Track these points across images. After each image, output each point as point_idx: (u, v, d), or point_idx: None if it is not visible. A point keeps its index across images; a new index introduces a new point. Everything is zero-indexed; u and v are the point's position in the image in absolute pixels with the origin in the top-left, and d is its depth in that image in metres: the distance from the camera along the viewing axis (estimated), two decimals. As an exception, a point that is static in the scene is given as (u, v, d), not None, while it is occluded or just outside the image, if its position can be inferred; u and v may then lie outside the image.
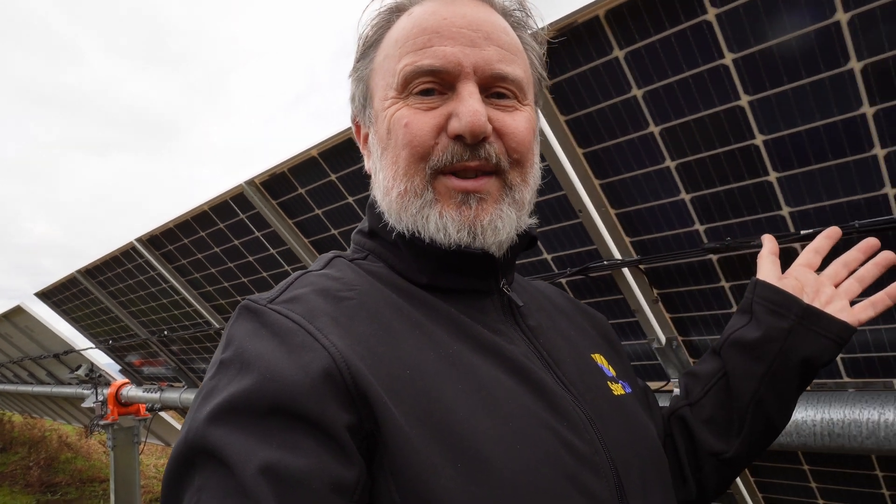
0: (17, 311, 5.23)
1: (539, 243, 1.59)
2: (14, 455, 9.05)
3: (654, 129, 1.22)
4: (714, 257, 1.36)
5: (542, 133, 1.33)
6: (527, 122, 0.65)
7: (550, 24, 1.16)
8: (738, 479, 1.84)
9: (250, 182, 2.05)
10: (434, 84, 0.62)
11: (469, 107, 0.60)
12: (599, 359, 0.74)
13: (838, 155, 1.10)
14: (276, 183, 2.02)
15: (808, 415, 1.35)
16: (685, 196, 1.29)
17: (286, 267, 2.38)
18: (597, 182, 1.37)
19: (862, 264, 0.83)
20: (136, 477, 5.10)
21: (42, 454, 8.87)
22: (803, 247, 1.25)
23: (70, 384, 5.79)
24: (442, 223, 0.61)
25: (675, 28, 1.08)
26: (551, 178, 1.41)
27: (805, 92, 1.05)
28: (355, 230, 0.76)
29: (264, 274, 2.52)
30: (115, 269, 3.44)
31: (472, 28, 0.62)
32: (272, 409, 0.49)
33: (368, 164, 0.73)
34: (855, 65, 0.99)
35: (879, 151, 1.06)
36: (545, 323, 0.71)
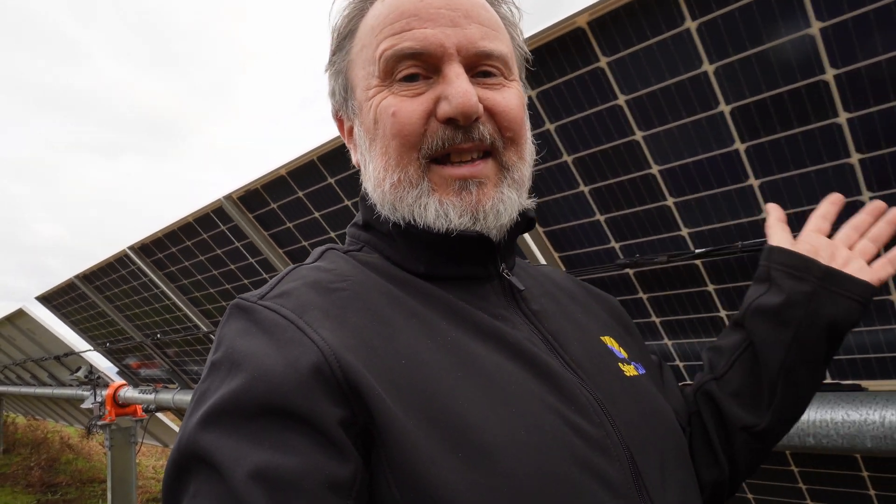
0: (20, 314, 5.42)
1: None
2: (16, 456, 9.22)
3: (568, 158, 1.38)
4: (630, 271, 1.51)
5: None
6: (517, 98, 0.64)
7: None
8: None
9: (228, 197, 2.22)
10: (418, 69, 0.60)
11: (458, 88, 0.58)
12: (610, 341, 0.71)
13: (721, 184, 1.25)
14: (251, 198, 2.19)
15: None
16: (600, 217, 1.45)
17: (264, 275, 2.54)
18: (524, 203, 1.52)
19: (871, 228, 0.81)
20: (132, 476, 5.24)
21: (44, 455, 9.04)
22: (703, 265, 1.41)
23: (70, 386, 5.97)
24: (443, 210, 0.60)
25: (575, 73, 1.24)
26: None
27: (687, 130, 1.21)
28: (350, 223, 0.74)
29: (245, 281, 2.69)
30: (111, 275, 3.62)
31: (451, 7, 0.61)
32: (262, 409, 0.49)
33: (356, 157, 0.70)
34: (724, 108, 1.15)
35: (754, 182, 1.21)
36: (550, 307, 0.69)
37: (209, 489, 0.47)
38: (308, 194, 1.98)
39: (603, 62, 1.20)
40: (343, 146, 1.74)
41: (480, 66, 0.62)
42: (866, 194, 1.13)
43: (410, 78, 0.61)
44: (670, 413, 0.69)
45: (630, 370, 0.68)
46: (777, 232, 0.82)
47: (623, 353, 0.71)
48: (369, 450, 0.50)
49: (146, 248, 3.02)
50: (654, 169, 1.30)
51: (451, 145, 0.60)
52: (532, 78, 1.29)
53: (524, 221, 0.67)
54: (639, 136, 1.26)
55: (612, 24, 1.14)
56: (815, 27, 1.00)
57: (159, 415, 6.02)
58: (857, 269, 0.76)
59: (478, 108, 0.59)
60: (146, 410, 4.74)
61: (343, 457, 0.48)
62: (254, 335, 0.53)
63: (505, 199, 0.62)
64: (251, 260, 2.50)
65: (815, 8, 0.98)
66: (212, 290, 2.96)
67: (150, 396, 4.45)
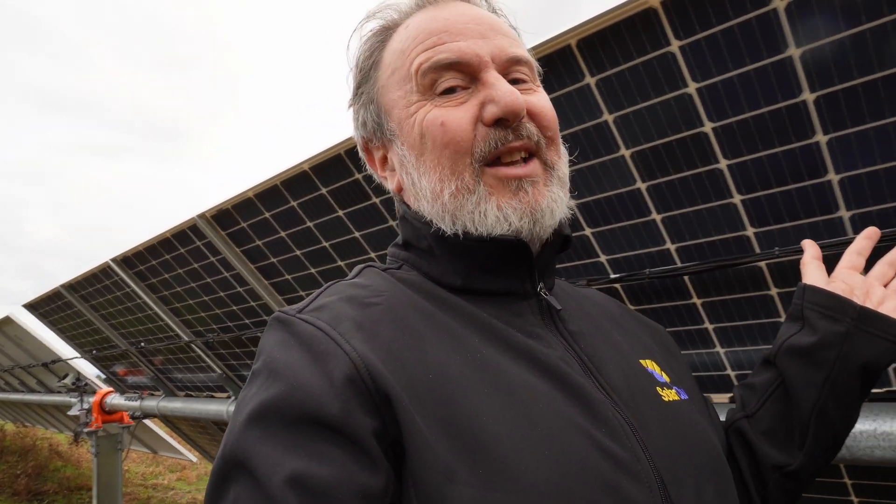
0: (7, 322, 5.52)
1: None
2: (3, 464, 9.25)
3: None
4: (560, 293, 1.65)
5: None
6: (548, 100, 0.67)
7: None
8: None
9: (202, 216, 2.35)
10: (457, 80, 0.63)
11: (502, 89, 0.61)
12: (650, 364, 0.70)
13: (629, 217, 1.39)
14: (223, 217, 2.32)
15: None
16: (529, 243, 1.59)
17: (238, 288, 2.68)
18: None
19: None
20: (118, 483, 5.33)
21: (31, 462, 9.06)
22: (622, 288, 1.55)
23: (59, 392, 6.06)
24: (502, 214, 0.61)
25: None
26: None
27: (596, 170, 1.35)
28: (391, 244, 0.75)
29: (221, 294, 2.82)
30: (95, 285, 3.74)
31: (477, 22, 0.65)
32: (298, 418, 0.50)
33: (394, 183, 0.71)
34: (625, 152, 1.29)
35: (656, 216, 1.36)
36: (588, 328, 0.69)
37: (248, 495, 0.49)
38: (273, 215, 2.11)
39: (520, 109, 1.35)
40: (303, 173, 1.88)
41: (512, 74, 0.65)
42: (750, 230, 1.27)
43: (450, 91, 0.63)
44: (712, 440, 0.66)
45: (670, 395, 0.67)
46: (812, 270, 0.82)
47: (665, 378, 0.70)
48: (400, 461, 0.51)
49: (128, 261, 3.15)
50: (572, 202, 1.44)
51: (503, 145, 0.62)
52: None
53: (560, 240, 0.69)
54: (556, 173, 1.41)
55: (525, 78, 1.29)
56: (692, 87, 1.14)
57: (147, 422, 6.12)
58: (893, 308, 0.75)
59: (524, 106, 0.62)
60: (133, 417, 4.84)
61: (375, 467, 0.49)
62: (291, 347, 0.55)
63: (556, 198, 0.64)
64: (226, 274, 2.64)
65: (690, 70, 1.13)
66: (191, 302, 3.09)
67: (136, 403, 4.56)
